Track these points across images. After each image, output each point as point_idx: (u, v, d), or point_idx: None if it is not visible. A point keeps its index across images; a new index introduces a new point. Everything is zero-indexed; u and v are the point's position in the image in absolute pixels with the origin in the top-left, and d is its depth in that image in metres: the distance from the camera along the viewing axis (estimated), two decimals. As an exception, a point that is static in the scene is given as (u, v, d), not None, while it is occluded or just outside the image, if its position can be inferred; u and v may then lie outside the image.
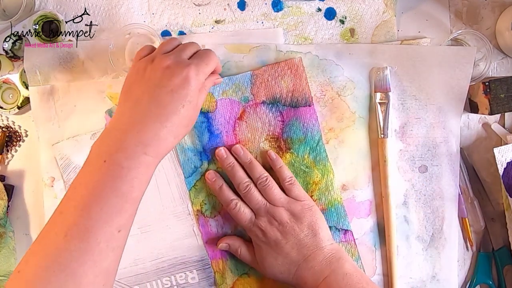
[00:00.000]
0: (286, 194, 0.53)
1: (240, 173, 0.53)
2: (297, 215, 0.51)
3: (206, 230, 0.57)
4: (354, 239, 0.56)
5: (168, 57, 0.45)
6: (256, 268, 0.54)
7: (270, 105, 0.56)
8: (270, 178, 0.53)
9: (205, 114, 0.56)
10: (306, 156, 0.56)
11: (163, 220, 0.57)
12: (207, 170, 0.56)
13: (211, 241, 0.56)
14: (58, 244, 0.39)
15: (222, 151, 0.54)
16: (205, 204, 0.56)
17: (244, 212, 0.52)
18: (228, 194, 0.53)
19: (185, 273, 0.57)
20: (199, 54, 0.48)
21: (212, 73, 0.49)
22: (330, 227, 0.55)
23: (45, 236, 0.40)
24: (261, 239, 0.52)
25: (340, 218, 0.56)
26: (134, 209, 0.43)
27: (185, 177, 0.56)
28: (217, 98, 0.56)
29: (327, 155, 0.56)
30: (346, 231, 0.56)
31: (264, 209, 0.52)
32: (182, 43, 0.49)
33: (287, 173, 0.54)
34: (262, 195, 0.52)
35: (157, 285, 0.57)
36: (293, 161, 0.56)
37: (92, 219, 0.39)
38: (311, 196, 0.55)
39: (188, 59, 0.47)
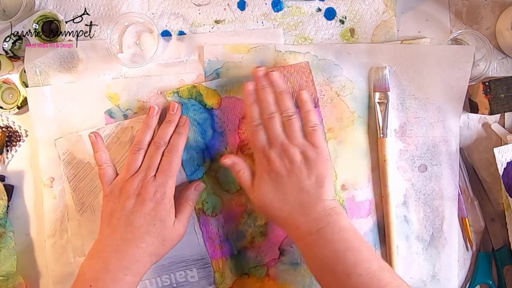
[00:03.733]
0: (306, 139, 0.51)
1: (271, 100, 0.52)
2: (309, 161, 0.50)
3: (207, 229, 0.57)
4: None
5: (138, 182, 0.51)
6: (249, 196, 0.52)
7: None
8: (297, 115, 0.51)
9: (209, 111, 0.56)
10: None
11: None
12: (209, 168, 0.56)
13: (212, 240, 0.56)
14: None
15: (260, 71, 0.53)
16: (207, 202, 0.56)
17: (261, 134, 0.51)
18: (257, 112, 0.52)
19: (185, 272, 0.57)
20: (163, 168, 0.52)
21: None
22: None
23: None
24: (265, 168, 0.51)
25: None
26: None
27: (187, 175, 0.56)
28: (221, 96, 0.56)
29: (330, 157, 0.56)
30: None
31: (280, 141, 0.50)
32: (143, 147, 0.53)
33: (314, 118, 0.52)
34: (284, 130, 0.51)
35: (157, 283, 0.57)
36: None
37: None
38: None
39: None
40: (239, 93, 0.56)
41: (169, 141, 0.53)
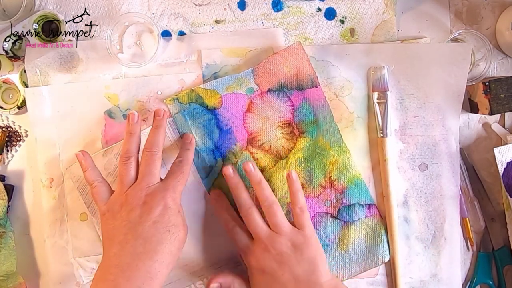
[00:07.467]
0: (293, 220, 0.50)
1: (245, 195, 0.51)
2: (298, 246, 0.48)
3: None
4: (379, 212, 0.55)
5: (141, 191, 0.47)
6: None
7: (277, 92, 0.56)
8: (277, 203, 0.50)
9: (212, 111, 0.56)
10: (320, 139, 0.55)
11: (188, 226, 0.54)
12: (223, 166, 0.56)
13: None
14: None
15: (229, 170, 0.52)
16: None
17: (241, 235, 0.51)
18: (231, 214, 0.52)
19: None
20: (174, 176, 0.49)
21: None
22: (353, 204, 0.55)
23: None
24: (255, 266, 0.49)
25: (362, 193, 0.55)
26: None
27: (201, 179, 0.56)
28: (221, 94, 0.56)
29: (341, 136, 0.55)
30: (370, 205, 0.56)
31: (263, 234, 0.49)
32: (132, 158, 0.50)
33: (301, 199, 0.50)
34: (264, 220, 0.50)
35: None
36: (307, 145, 0.55)
37: None
38: (330, 177, 0.55)
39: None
40: (238, 88, 0.56)
41: (181, 151, 0.52)
